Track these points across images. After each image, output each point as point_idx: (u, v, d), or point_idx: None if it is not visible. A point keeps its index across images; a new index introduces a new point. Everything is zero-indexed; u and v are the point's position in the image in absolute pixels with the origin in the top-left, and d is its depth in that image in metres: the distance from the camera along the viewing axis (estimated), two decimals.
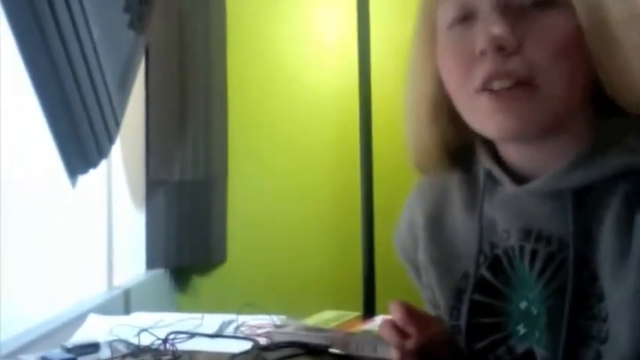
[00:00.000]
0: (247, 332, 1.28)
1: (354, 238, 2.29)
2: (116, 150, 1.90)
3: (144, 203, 2.27)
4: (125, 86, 1.76)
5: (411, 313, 0.79)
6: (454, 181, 0.83)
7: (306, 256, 2.61)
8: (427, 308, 0.88)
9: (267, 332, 1.25)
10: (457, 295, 0.79)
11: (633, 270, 0.62)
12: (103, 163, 1.67)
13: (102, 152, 1.55)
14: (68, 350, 1.10)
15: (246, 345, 1.17)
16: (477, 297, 0.76)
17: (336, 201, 2.58)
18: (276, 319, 1.36)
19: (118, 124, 1.64)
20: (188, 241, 2.41)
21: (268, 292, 2.48)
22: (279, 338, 1.21)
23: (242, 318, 1.36)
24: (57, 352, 1.05)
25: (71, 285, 1.59)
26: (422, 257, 0.84)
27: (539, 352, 0.70)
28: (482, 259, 0.76)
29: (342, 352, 1.10)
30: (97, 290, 1.77)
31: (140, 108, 2.22)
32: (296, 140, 2.63)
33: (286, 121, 2.64)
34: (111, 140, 1.60)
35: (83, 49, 1.39)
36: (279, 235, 2.62)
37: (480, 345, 0.76)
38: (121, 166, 2.00)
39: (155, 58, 2.24)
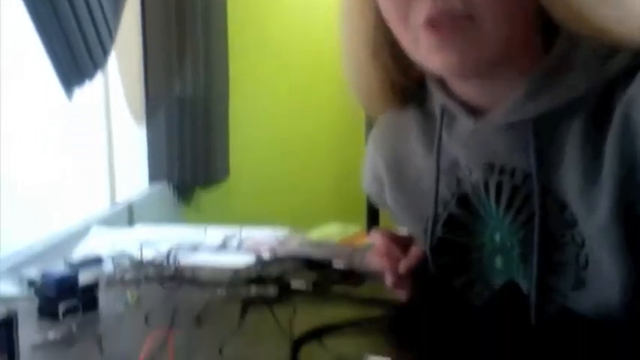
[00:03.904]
0: (250, 246, 1.28)
1: (357, 150, 2.27)
2: (114, 65, 1.85)
3: (144, 118, 2.24)
4: None
5: (393, 238, 0.80)
6: (410, 119, 0.80)
7: (309, 170, 2.60)
8: None
9: (270, 246, 1.25)
10: (424, 233, 0.79)
11: (607, 192, 0.60)
12: (102, 79, 1.63)
13: (97, 63, 1.50)
14: (71, 265, 1.10)
15: (249, 259, 1.17)
16: (447, 235, 0.76)
17: (340, 115, 2.54)
18: (279, 233, 1.35)
19: (111, 33, 1.58)
20: (190, 156, 2.40)
21: (271, 206, 2.49)
22: (282, 252, 1.21)
23: (245, 232, 1.35)
24: (58, 268, 1.05)
25: (74, 201, 1.58)
26: (390, 202, 0.84)
27: (521, 282, 0.70)
28: (449, 196, 0.75)
29: (346, 267, 1.09)
30: (100, 205, 1.77)
31: (137, 22, 2.15)
32: (298, 56, 2.56)
33: (288, 39, 2.56)
34: (105, 51, 1.54)
35: None
36: (282, 149, 2.60)
37: (457, 283, 0.76)
38: (120, 82, 1.95)
39: None
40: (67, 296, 0.87)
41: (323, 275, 1.07)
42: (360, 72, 0.76)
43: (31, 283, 0.96)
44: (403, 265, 0.77)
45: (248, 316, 0.86)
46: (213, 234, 1.34)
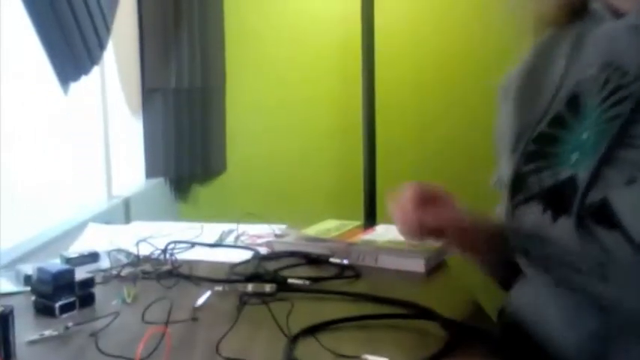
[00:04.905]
0: (247, 242, 1.28)
1: (355, 145, 2.27)
2: (110, 58, 1.84)
3: (141, 111, 2.23)
4: None
5: (423, 191, 0.85)
6: (569, 32, 0.84)
7: (307, 165, 2.59)
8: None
9: (268, 242, 1.25)
10: (529, 127, 0.82)
11: None
12: (98, 73, 1.61)
13: (93, 58, 1.49)
14: (67, 260, 1.09)
15: (247, 254, 1.17)
16: (545, 129, 0.80)
17: (338, 109, 2.53)
18: (277, 228, 1.35)
19: (108, 28, 1.57)
20: (187, 150, 2.38)
21: (269, 201, 2.48)
22: (279, 248, 1.21)
23: (242, 227, 1.35)
24: (54, 262, 1.04)
25: (71, 197, 1.57)
26: (512, 85, 0.87)
27: (580, 174, 0.72)
28: (563, 93, 0.80)
29: (344, 262, 1.09)
30: (96, 200, 1.76)
31: (132, 13, 2.13)
32: (297, 47, 2.54)
33: (286, 29, 2.55)
34: (102, 46, 1.53)
35: None
36: (279, 143, 2.59)
37: (527, 167, 0.79)
38: (116, 75, 1.94)
39: None
40: (63, 292, 0.86)
41: (321, 271, 1.07)
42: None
43: (27, 279, 0.95)
44: (432, 218, 0.83)
45: (245, 312, 0.85)
46: (210, 229, 1.34)
